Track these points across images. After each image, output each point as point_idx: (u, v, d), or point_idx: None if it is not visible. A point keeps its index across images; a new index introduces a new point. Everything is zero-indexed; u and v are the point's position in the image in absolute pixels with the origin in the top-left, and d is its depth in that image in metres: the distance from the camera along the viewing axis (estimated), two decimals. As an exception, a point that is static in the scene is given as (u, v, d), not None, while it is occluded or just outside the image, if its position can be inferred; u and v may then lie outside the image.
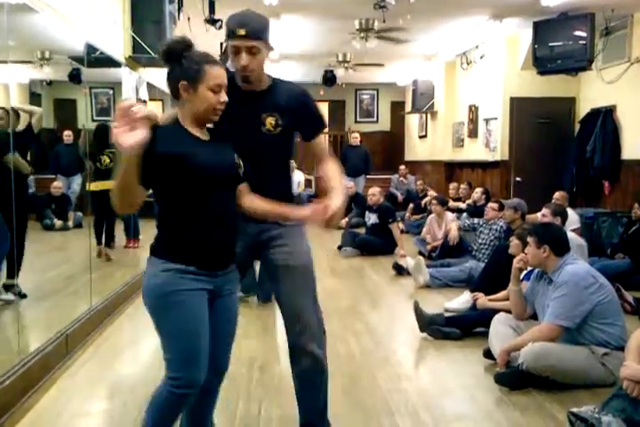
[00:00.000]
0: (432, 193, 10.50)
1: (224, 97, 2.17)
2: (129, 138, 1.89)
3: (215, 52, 9.46)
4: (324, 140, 2.66)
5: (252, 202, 2.34)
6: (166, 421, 2.24)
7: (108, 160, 6.16)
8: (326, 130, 2.70)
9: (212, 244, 2.18)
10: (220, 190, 2.19)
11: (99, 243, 6.17)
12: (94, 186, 5.90)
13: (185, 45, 2.16)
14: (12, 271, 4.37)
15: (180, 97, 2.17)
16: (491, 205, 6.61)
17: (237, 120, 2.38)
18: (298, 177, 12.88)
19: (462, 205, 9.05)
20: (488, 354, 3.87)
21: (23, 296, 4.29)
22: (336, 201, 2.29)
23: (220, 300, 2.26)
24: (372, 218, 8.20)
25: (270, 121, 2.44)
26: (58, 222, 6.70)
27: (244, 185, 2.31)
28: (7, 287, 4.35)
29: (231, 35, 2.35)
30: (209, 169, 2.14)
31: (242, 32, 2.32)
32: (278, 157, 2.53)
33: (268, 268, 2.59)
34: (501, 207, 6.29)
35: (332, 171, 2.55)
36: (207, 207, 2.16)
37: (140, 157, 1.98)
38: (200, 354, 2.18)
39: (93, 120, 6.86)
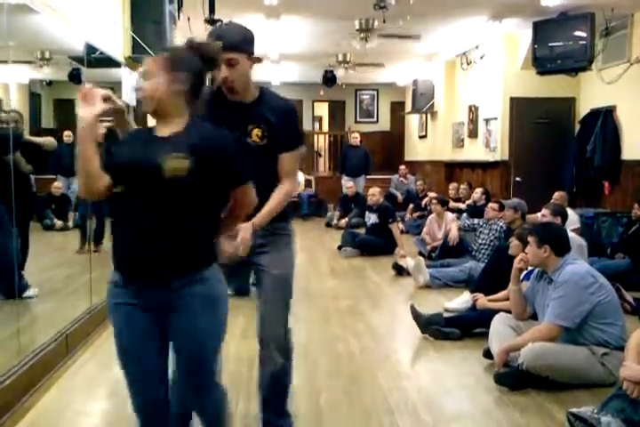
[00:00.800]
0: (432, 194, 10.50)
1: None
2: (87, 111, 1.97)
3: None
4: (294, 162, 2.55)
5: None
6: None
7: None
8: (302, 150, 2.62)
9: (127, 252, 2.00)
10: (137, 193, 1.97)
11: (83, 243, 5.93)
12: None
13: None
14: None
15: None
16: (491, 205, 6.62)
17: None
18: (298, 177, 12.88)
19: (462, 206, 9.05)
20: (488, 354, 3.87)
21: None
22: (244, 232, 2.26)
23: (174, 315, 2.02)
24: (372, 218, 8.20)
25: (257, 133, 2.47)
26: (58, 222, 6.70)
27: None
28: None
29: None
30: (120, 167, 2.00)
31: (218, 44, 2.33)
32: (264, 168, 2.50)
33: (255, 272, 2.68)
34: (501, 207, 6.29)
35: (277, 193, 2.49)
36: (123, 210, 2.01)
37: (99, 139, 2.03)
38: (130, 376, 2.18)
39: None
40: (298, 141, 2.59)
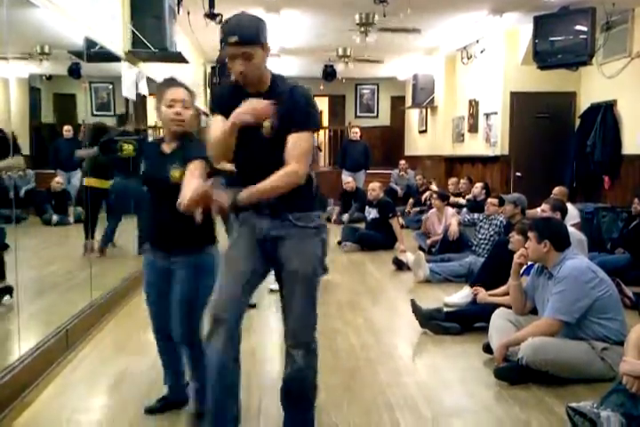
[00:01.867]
0: (434, 187, 10.50)
1: (177, 109, 2.75)
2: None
3: (215, 47, 9.46)
4: (301, 142, 2.39)
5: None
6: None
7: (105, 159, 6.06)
8: (307, 131, 2.45)
9: (152, 231, 2.98)
10: (155, 194, 2.89)
11: (87, 237, 5.75)
12: (88, 182, 5.89)
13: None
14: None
15: None
16: (491, 200, 6.61)
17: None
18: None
19: (462, 201, 9.04)
20: (488, 349, 3.87)
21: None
22: (219, 193, 2.32)
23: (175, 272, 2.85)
24: (372, 213, 8.20)
25: (267, 125, 2.41)
26: (57, 217, 6.69)
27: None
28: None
29: (225, 42, 2.38)
30: (146, 179, 2.92)
31: (233, 40, 2.34)
32: (278, 158, 2.42)
33: (274, 266, 2.58)
34: (502, 202, 6.29)
35: (277, 175, 2.38)
36: (151, 204, 2.92)
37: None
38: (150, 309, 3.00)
39: (93, 115, 6.83)
40: (305, 122, 2.44)
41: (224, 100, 2.53)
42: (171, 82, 2.83)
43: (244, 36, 2.34)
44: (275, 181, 2.38)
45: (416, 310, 4.49)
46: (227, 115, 2.39)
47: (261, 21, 2.46)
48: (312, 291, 2.54)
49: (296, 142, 2.40)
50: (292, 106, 2.42)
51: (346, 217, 10.47)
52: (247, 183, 2.39)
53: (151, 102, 7.86)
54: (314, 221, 2.53)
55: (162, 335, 3.01)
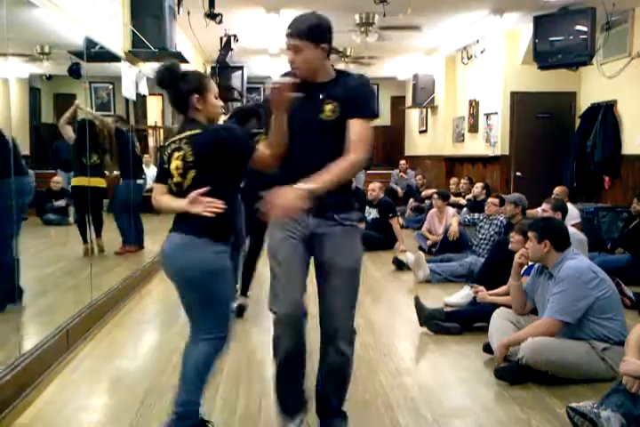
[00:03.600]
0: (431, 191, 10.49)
1: (221, 102, 2.72)
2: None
3: (215, 47, 9.47)
4: (363, 129, 2.51)
5: (161, 200, 2.67)
6: None
7: (95, 157, 5.97)
8: (369, 120, 2.57)
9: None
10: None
11: (84, 241, 5.78)
12: (76, 181, 5.86)
13: (172, 71, 2.62)
14: None
15: (192, 108, 2.62)
16: (491, 200, 6.62)
17: (300, 108, 2.51)
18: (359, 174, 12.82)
19: (462, 201, 9.04)
20: (488, 349, 3.87)
21: None
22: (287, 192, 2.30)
23: None
24: (372, 213, 8.20)
25: (329, 108, 2.51)
26: (53, 217, 6.69)
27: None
28: None
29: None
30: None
31: (287, 31, 2.52)
32: (337, 143, 2.52)
33: (316, 262, 2.65)
34: (502, 202, 6.29)
35: (338, 164, 2.44)
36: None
37: None
38: None
39: (93, 115, 6.84)
40: (368, 110, 2.56)
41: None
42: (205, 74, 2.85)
43: (296, 30, 2.50)
44: (343, 169, 2.45)
45: (419, 307, 4.49)
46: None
47: (322, 21, 2.57)
48: (358, 284, 2.64)
49: (358, 128, 2.51)
50: (356, 93, 2.53)
51: None
52: (303, 171, 2.41)
53: (151, 102, 7.87)
54: (354, 219, 2.65)
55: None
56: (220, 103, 2.72)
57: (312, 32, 2.50)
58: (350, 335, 2.65)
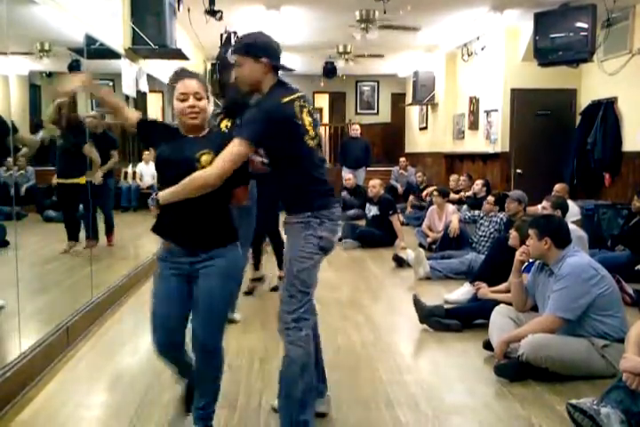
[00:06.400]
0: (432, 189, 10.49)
1: (190, 102, 2.55)
2: None
3: (215, 43, 9.45)
4: (227, 148, 2.48)
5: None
6: None
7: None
8: (237, 140, 2.51)
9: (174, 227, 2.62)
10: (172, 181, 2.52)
11: (69, 238, 5.76)
12: (61, 179, 5.82)
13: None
14: None
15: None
16: (488, 198, 6.66)
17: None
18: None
19: (457, 196, 9.04)
20: (488, 346, 3.88)
21: None
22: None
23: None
24: (372, 210, 8.20)
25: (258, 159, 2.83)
26: (52, 213, 6.67)
27: None
28: None
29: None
30: (163, 161, 2.61)
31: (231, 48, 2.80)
32: (276, 173, 2.75)
33: None
34: (503, 200, 6.28)
35: (190, 178, 2.48)
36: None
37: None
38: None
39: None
40: (239, 131, 2.62)
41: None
42: (181, 74, 2.63)
43: (235, 47, 2.71)
44: (189, 183, 2.50)
45: (418, 305, 4.49)
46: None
47: (260, 37, 2.71)
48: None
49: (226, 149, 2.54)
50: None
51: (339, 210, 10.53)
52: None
53: (151, 99, 7.86)
54: (297, 220, 2.72)
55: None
56: (183, 106, 2.64)
57: (248, 48, 2.67)
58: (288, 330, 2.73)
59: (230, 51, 2.76)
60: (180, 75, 2.62)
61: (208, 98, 2.63)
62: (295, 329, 2.65)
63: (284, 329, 2.68)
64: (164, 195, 2.51)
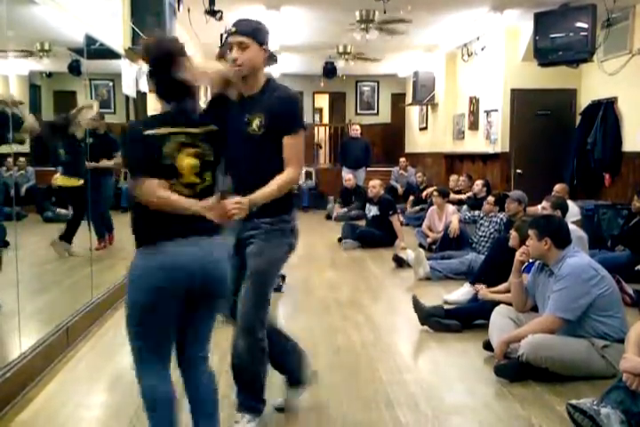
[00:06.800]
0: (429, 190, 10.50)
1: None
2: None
3: (215, 43, 9.45)
4: (294, 144, 2.62)
5: (171, 197, 2.26)
6: None
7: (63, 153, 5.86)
8: (300, 134, 2.65)
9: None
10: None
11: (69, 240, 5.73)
12: (61, 181, 5.81)
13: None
14: None
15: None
16: (488, 198, 6.66)
17: (230, 122, 2.60)
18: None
19: (461, 197, 9.04)
20: (488, 346, 3.88)
21: None
22: (244, 199, 2.35)
23: None
24: (372, 210, 8.20)
25: (256, 122, 2.61)
26: (50, 213, 6.67)
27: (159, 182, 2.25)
28: None
29: (227, 34, 2.65)
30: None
31: (233, 29, 2.62)
32: (264, 156, 2.64)
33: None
34: (503, 201, 6.28)
35: (278, 178, 2.57)
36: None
37: None
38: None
39: (94, 112, 6.83)
40: (294, 126, 2.65)
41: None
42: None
43: (242, 28, 2.62)
44: (278, 186, 2.56)
45: (417, 306, 4.50)
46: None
47: (262, 24, 2.69)
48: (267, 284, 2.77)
49: (289, 146, 2.62)
50: (285, 110, 2.63)
51: (343, 211, 10.55)
52: (241, 184, 2.61)
53: (151, 99, 7.86)
54: (280, 224, 2.72)
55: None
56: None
57: (257, 32, 2.64)
58: (253, 341, 2.72)
59: (233, 29, 2.60)
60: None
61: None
62: (259, 336, 2.69)
63: (248, 331, 2.68)
64: (256, 199, 2.45)
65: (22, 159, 5.82)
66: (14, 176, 5.48)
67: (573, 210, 6.39)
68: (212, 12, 6.94)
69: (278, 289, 5.24)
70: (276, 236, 2.69)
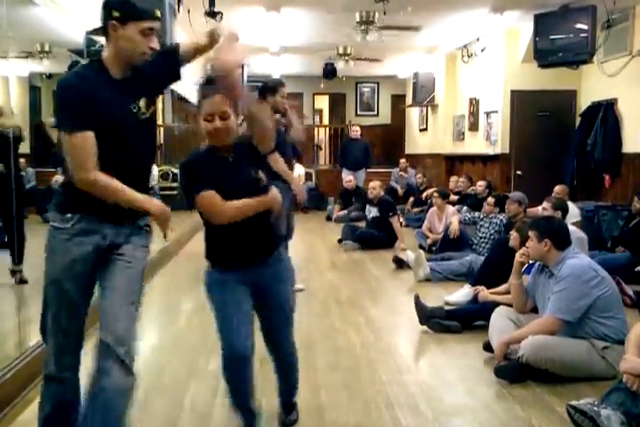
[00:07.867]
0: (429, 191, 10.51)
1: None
2: None
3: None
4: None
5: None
6: None
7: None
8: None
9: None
10: None
11: None
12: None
13: None
14: (17, 257, 4.65)
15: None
16: (488, 199, 6.66)
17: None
18: (298, 170, 12.88)
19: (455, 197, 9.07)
20: (488, 347, 3.87)
21: (24, 282, 4.49)
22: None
23: None
24: (372, 211, 8.20)
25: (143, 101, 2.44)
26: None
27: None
28: (13, 273, 4.62)
29: (146, 16, 2.37)
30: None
31: (159, 14, 2.41)
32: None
33: None
34: (503, 202, 6.28)
35: None
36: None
37: None
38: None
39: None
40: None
41: None
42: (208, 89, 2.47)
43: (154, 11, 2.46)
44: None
45: (418, 305, 4.49)
46: None
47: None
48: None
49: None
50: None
51: (343, 213, 10.55)
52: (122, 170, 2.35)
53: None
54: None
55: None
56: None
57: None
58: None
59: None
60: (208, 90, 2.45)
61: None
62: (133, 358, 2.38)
63: (125, 354, 2.37)
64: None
65: (22, 160, 5.82)
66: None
67: (573, 211, 6.39)
68: (212, 14, 6.94)
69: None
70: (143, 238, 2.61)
